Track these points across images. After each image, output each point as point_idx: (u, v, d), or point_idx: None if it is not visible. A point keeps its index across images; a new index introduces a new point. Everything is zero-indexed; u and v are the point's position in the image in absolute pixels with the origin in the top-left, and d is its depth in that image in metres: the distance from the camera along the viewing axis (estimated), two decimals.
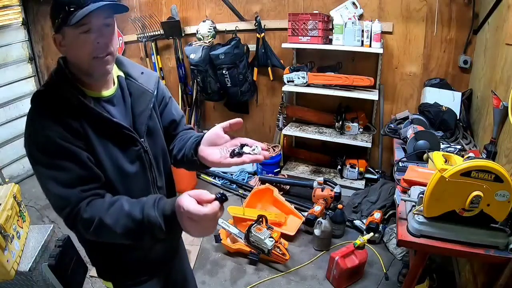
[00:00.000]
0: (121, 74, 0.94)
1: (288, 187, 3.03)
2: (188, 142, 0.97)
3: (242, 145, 0.85)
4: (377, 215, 2.31)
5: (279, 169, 3.22)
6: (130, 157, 0.89)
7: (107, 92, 0.89)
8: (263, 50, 3.04)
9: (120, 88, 0.92)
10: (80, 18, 0.74)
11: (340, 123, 2.86)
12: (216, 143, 0.89)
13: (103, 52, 0.80)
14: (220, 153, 0.86)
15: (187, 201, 0.70)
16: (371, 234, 2.11)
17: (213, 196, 0.72)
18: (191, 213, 0.69)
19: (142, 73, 0.97)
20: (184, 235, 1.01)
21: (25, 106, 3.44)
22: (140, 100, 0.93)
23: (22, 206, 1.94)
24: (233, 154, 0.84)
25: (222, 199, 0.72)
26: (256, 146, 0.84)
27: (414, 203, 1.33)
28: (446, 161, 1.36)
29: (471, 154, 1.65)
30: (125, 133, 0.87)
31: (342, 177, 3.03)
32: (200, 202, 0.71)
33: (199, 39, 3.19)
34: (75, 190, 0.79)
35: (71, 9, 0.74)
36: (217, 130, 0.89)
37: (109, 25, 0.81)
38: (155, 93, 0.97)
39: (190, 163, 0.94)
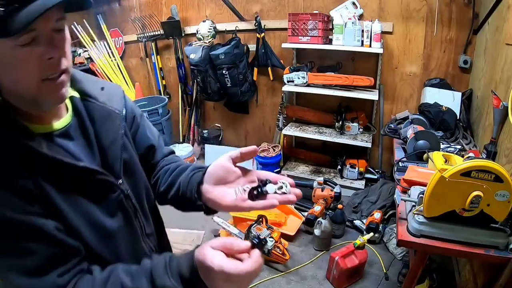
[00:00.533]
0: (75, 94, 0.68)
1: None
2: (182, 176, 0.74)
3: (264, 182, 0.64)
4: (377, 215, 2.31)
5: (279, 169, 3.22)
6: (109, 208, 0.66)
7: (59, 123, 0.63)
8: (263, 50, 3.04)
9: (76, 114, 0.67)
10: (24, 25, 0.48)
11: (340, 123, 2.86)
12: (226, 180, 0.67)
13: (56, 71, 0.56)
14: (236, 193, 0.64)
15: (217, 258, 0.53)
16: (371, 234, 2.11)
17: (248, 244, 0.55)
18: (228, 274, 0.52)
19: (102, 88, 0.72)
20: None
21: None
22: (106, 126, 0.68)
23: None
24: (253, 196, 0.62)
25: (261, 244, 0.53)
26: (283, 183, 0.64)
27: (414, 203, 1.33)
28: (446, 161, 1.36)
29: (471, 154, 1.65)
30: (98, 179, 0.63)
31: (342, 177, 3.03)
32: (229, 253, 0.55)
33: (199, 39, 3.20)
34: (50, 276, 0.56)
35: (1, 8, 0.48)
36: (224, 163, 0.67)
37: (60, 30, 0.56)
38: (123, 113, 0.72)
39: (189, 206, 0.72)
